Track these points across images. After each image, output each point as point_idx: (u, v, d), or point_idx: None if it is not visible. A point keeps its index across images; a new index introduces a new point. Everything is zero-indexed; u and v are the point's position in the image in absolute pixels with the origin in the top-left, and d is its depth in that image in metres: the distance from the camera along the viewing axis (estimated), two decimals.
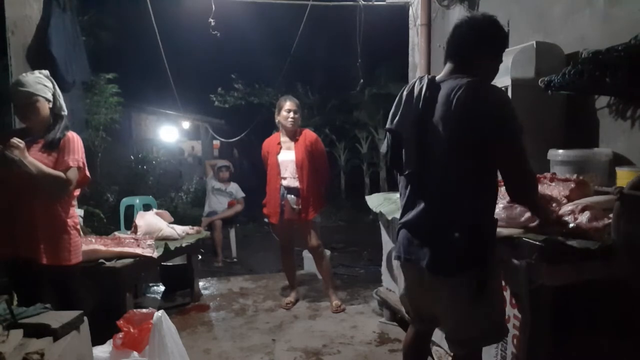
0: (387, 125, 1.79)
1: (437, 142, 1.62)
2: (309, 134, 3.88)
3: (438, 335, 2.43)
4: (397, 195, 1.96)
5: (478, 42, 1.69)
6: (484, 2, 3.59)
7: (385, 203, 3.20)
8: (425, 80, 1.69)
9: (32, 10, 3.61)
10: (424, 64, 4.37)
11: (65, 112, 2.49)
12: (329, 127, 11.07)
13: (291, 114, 3.76)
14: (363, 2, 4.43)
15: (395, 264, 1.92)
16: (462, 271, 1.64)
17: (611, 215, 1.69)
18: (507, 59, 2.62)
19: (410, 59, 4.84)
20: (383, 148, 1.86)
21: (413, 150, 1.69)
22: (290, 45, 5.24)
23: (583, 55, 2.33)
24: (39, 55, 3.54)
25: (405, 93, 1.73)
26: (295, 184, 3.77)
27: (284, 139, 3.86)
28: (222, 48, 8.77)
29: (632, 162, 2.30)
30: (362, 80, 5.17)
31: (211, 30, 4.17)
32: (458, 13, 3.97)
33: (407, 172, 1.73)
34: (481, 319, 1.69)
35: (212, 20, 4.15)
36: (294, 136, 3.82)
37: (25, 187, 2.26)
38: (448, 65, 1.74)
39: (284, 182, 3.80)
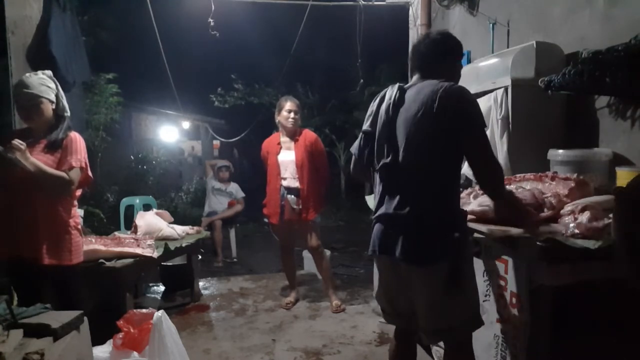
0: (363, 128, 1.95)
1: (409, 138, 1.76)
2: (308, 134, 3.88)
3: None
4: None
5: (435, 55, 1.88)
6: (483, 2, 3.59)
7: None
8: (396, 87, 1.87)
9: (32, 10, 3.61)
10: None
11: (67, 113, 2.49)
12: (329, 127, 11.06)
13: (291, 114, 3.75)
14: (363, 2, 4.43)
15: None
16: (435, 260, 1.72)
17: (611, 215, 1.69)
18: (507, 59, 2.63)
19: None
20: (354, 148, 2.02)
21: (384, 146, 1.83)
22: (290, 45, 5.24)
23: (583, 55, 2.33)
24: (39, 55, 3.54)
25: (377, 99, 1.93)
26: (295, 184, 3.77)
27: (284, 139, 3.86)
28: (222, 48, 8.76)
29: (632, 162, 2.30)
30: (362, 80, 5.18)
31: (210, 31, 4.17)
32: (458, 13, 3.97)
33: (379, 166, 1.86)
34: (456, 307, 1.75)
35: (211, 20, 4.15)
36: (293, 136, 3.82)
37: (27, 187, 2.26)
38: (415, 76, 1.92)
39: (284, 183, 3.80)
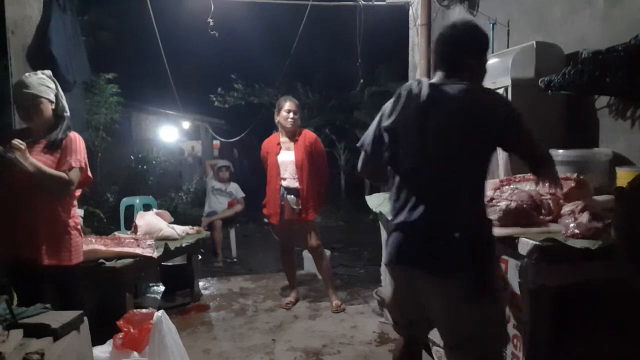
0: (385, 124, 1.76)
1: (442, 142, 1.64)
2: (308, 135, 3.88)
3: (438, 336, 2.42)
4: None
5: (462, 48, 1.75)
6: (483, 2, 3.60)
7: (385, 203, 3.20)
8: (425, 82, 1.72)
9: (32, 10, 3.61)
10: (424, 64, 4.36)
11: (67, 113, 2.48)
12: (329, 127, 11.06)
13: (291, 114, 3.75)
14: (363, 2, 4.43)
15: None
16: (465, 270, 1.60)
17: (611, 215, 1.69)
18: (507, 59, 2.63)
19: (410, 59, 4.85)
20: (366, 145, 1.85)
21: (412, 148, 1.69)
22: (290, 45, 5.23)
23: (583, 55, 2.34)
24: (39, 55, 3.54)
25: (404, 93, 1.73)
26: (295, 184, 3.77)
27: (283, 139, 3.86)
28: (222, 48, 8.77)
29: (632, 162, 2.31)
30: (362, 80, 5.17)
31: (210, 30, 4.17)
32: (458, 13, 3.97)
33: (405, 169, 1.72)
34: (484, 320, 1.64)
35: (210, 20, 4.14)
36: (293, 136, 3.82)
37: (26, 187, 2.26)
38: (439, 72, 1.77)
39: (284, 183, 3.79)
